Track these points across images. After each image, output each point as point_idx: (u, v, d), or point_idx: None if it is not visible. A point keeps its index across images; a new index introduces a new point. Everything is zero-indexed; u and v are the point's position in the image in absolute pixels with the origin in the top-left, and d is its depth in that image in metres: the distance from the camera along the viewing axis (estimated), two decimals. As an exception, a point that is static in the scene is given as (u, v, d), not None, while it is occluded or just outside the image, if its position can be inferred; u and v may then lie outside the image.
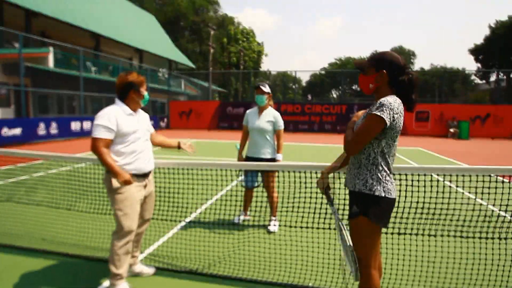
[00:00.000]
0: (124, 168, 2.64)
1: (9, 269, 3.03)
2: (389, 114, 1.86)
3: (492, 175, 2.46)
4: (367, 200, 1.96)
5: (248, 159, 4.20)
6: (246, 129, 4.30)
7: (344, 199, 2.25)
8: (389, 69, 1.96)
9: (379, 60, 1.99)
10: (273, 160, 4.17)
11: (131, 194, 2.66)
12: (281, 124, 4.19)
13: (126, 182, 2.60)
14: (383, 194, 1.93)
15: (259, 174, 4.16)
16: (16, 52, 14.21)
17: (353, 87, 61.05)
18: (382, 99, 1.91)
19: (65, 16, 20.57)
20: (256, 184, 4.15)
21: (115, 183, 2.61)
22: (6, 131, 11.97)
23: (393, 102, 1.89)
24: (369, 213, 1.95)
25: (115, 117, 2.63)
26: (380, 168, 1.95)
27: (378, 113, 1.85)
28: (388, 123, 1.86)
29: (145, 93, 2.82)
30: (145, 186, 2.79)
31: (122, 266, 2.65)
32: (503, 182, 2.66)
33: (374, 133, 1.90)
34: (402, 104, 1.94)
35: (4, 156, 3.88)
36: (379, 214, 1.95)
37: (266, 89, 4.16)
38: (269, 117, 4.17)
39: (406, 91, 1.97)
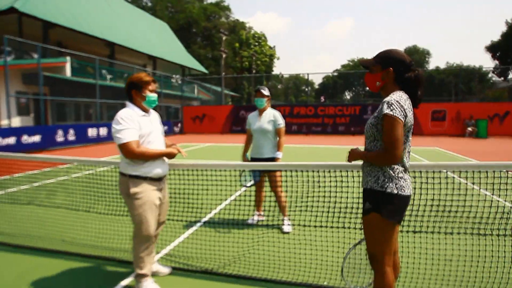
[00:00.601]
0: (141, 173, 2.62)
1: (31, 271, 3.14)
2: (401, 111, 1.87)
3: (506, 170, 2.41)
4: (379, 197, 1.95)
5: (252, 160, 4.32)
6: (249, 132, 4.46)
7: (359, 197, 2.25)
8: (395, 67, 1.97)
9: (385, 58, 2.01)
10: (273, 159, 4.25)
11: (149, 199, 2.65)
12: (280, 122, 4.29)
13: (177, 152, 2.74)
14: (395, 191, 1.92)
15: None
16: (35, 62, 14.70)
17: (367, 88, 60.41)
18: (388, 99, 1.91)
19: (81, 26, 21.15)
20: (256, 180, 4.22)
21: (133, 188, 2.60)
22: (26, 139, 12.35)
23: (400, 98, 1.90)
24: (381, 209, 1.95)
25: (135, 118, 2.60)
26: (393, 165, 1.94)
27: (391, 113, 1.85)
28: (403, 121, 1.87)
29: (149, 94, 2.70)
30: (160, 190, 2.79)
31: (147, 266, 2.72)
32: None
33: (402, 133, 1.88)
34: (409, 99, 1.95)
35: (25, 161, 4.02)
36: (391, 211, 1.94)
37: (266, 92, 4.35)
38: (269, 117, 4.30)
39: (412, 87, 1.98)
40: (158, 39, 33.00)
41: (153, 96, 2.75)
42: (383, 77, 2.01)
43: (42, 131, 13.16)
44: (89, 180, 3.80)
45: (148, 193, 2.64)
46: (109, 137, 16.70)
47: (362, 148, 2.17)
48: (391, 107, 1.86)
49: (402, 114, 1.86)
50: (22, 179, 6.20)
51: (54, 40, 21.15)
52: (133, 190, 2.61)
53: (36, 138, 12.79)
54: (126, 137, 2.52)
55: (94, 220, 4.21)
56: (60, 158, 3.60)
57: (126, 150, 2.53)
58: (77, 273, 3.08)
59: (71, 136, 14.56)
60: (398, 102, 1.88)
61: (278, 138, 4.30)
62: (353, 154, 2.15)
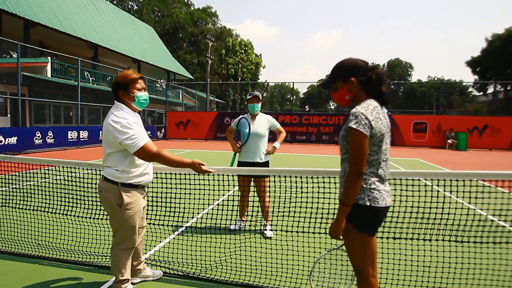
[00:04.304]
0: (139, 182, 2.52)
1: (5, 275, 3.01)
2: (365, 123, 1.81)
3: (477, 179, 2.49)
4: (352, 209, 1.89)
5: (242, 164, 4.28)
6: (232, 130, 4.51)
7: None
8: (355, 75, 1.94)
9: (343, 71, 1.98)
10: (267, 164, 4.27)
11: (139, 208, 2.55)
12: (277, 122, 4.45)
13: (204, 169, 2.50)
14: (367, 203, 1.87)
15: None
16: (14, 62, 14.29)
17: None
18: (353, 110, 1.86)
19: (64, 26, 20.77)
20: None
21: (126, 199, 2.45)
22: (2, 140, 11.93)
23: (365, 110, 1.84)
24: (354, 221, 1.91)
25: (135, 121, 2.45)
26: (365, 176, 1.89)
27: (355, 126, 1.81)
28: (368, 134, 1.82)
29: (138, 94, 2.50)
30: (144, 197, 2.69)
31: (127, 271, 2.65)
32: (488, 187, 2.71)
33: (366, 146, 1.83)
34: (378, 107, 1.90)
35: (1, 162, 3.89)
36: (363, 223, 1.89)
37: (261, 97, 4.46)
38: (264, 122, 4.35)
39: (376, 86, 1.94)
40: (143, 42, 32.73)
41: (143, 95, 2.54)
42: (349, 89, 1.97)
43: (19, 133, 12.75)
44: (68, 183, 3.70)
45: (138, 203, 2.54)
46: (90, 141, 16.34)
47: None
48: (356, 119, 1.82)
49: (367, 126, 1.81)
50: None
51: (35, 40, 20.66)
52: (127, 200, 2.46)
53: (13, 140, 12.38)
54: (142, 140, 2.36)
55: (72, 223, 4.09)
56: (39, 159, 3.50)
57: (145, 153, 2.36)
58: (52, 279, 2.97)
59: (50, 139, 14.17)
60: (363, 114, 1.82)
61: (279, 133, 4.47)
62: (333, 228, 1.94)
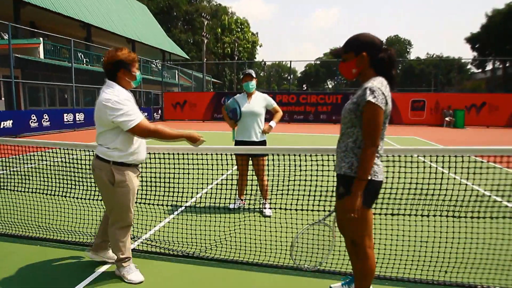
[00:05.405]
0: (130, 161, 2.52)
1: (4, 258, 3.04)
2: (383, 98, 1.85)
3: (473, 155, 2.50)
4: (353, 183, 1.92)
5: (239, 143, 4.27)
6: (229, 107, 4.41)
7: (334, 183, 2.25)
8: (368, 50, 1.94)
9: (357, 44, 1.97)
10: (263, 142, 4.25)
11: (133, 187, 2.56)
12: (273, 102, 4.38)
13: (199, 137, 2.58)
14: (369, 177, 1.91)
15: (238, 108, 4.25)
16: (5, 44, 13.96)
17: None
18: (369, 85, 1.87)
19: (55, 6, 20.21)
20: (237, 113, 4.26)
21: (118, 176, 2.46)
22: (-2, 124, 11.82)
23: (381, 85, 1.88)
24: None
25: (129, 98, 2.47)
26: None
27: (374, 100, 1.83)
28: (383, 109, 1.86)
29: (137, 73, 2.58)
30: (138, 176, 2.68)
31: (128, 249, 2.67)
32: (482, 162, 2.74)
33: (381, 120, 1.87)
34: (388, 85, 1.93)
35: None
36: (366, 196, 1.93)
37: (254, 74, 4.37)
38: (260, 101, 4.31)
39: (387, 68, 1.95)
40: (137, 22, 31.99)
41: (139, 74, 2.62)
42: (358, 63, 1.97)
43: (14, 116, 12.62)
44: (66, 165, 3.68)
45: (132, 181, 2.55)
46: (86, 123, 16.23)
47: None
48: (374, 94, 1.83)
49: (384, 101, 1.86)
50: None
51: (26, 20, 20.12)
52: (118, 178, 2.47)
53: (8, 124, 12.26)
54: (137, 117, 2.40)
55: (71, 205, 4.10)
56: (36, 141, 3.46)
57: (140, 130, 2.41)
58: (53, 260, 3.00)
59: (46, 122, 14.05)
60: (380, 89, 1.85)
61: (276, 112, 4.40)
62: (349, 205, 1.92)
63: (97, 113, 2.46)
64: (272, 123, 4.27)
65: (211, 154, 3.11)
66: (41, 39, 17.73)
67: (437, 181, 2.87)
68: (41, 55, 17.76)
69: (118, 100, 2.38)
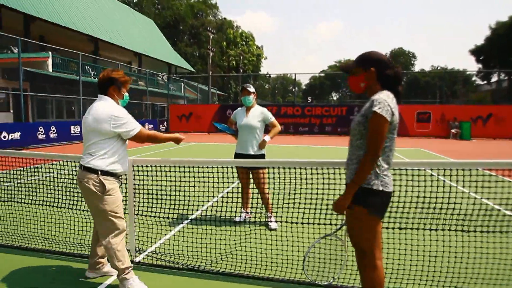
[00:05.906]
0: (116, 170, 2.66)
1: (11, 270, 3.04)
2: (388, 110, 1.92)
3: (479, 168, 2.47)
4: (366, 194, 1.99)
5: (237, 156, 4.30)
6: (233, 121, 4.55)
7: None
8: (376, 66, 2.05)
9: (366, 60, 2.10)
10: (262, 156, 4.25)
11: (119, 195, 2.70)
12: (271, 116, 4.40)
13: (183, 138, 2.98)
14: (380, 188, 1.98)
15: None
16: (15, 57, 14.25)
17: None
18: (376, 97, 1.97)
19: (64, 20, 20.67)
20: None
21: (108, 185, 2.58)
22: (6, 136, 11.97)
23: (387, 97, 1.96)
24: (369, 205, 1.99)
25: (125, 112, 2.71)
26: (378, 163, 1.98)
27: (379, 111, 1.90)
28: (389, 120, 1.92)
29: (126, 94, 2.82)
30: (120, 187, 2.80)
31: (127, 258, 2.67)
32: (490, 176, 2.70)
33: (384, 132, 1.94)
34: (394, 98, 2.02)
35: (7, 157, 3.89)
36: (377, 207, 2.01)
37: (252, 89, 4.40)
38: (257, 114, 4.33)
39: (393, 84, 2.06)
40: (144, 36, 32.55)
41: (127, 95, 2.86)
42: (366, 77, 2.08)
43: (22, 128, 12.78)
44: (72, 177, 3.70)
45: (118, 189, 2.69)
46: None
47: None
48: (380, 105, 1.92)
49: (390, 113, 1.92)
50: (1, 175, 5.98)
51: (36, 35, 20.57)
52: (109, 186, 2.59)
53: (16, 135, 12.41)
54: (137, 126, 2.68)
55: (77, 218, 4.10)
56: (42, 154, 3.50)
57: (141, 136, 2.72)
58: (59, 272, 2.99)
59: (53, 134, 14.21)
60: (386, 100, 1.93)
61: (273, 127, 4.42)
62: (340, 203, 2.05)
63: (94, 123, 2.60)
64: (267, 138, 4.29)
65: (216, 167, 3.12)
66: (50, 53, 18.08)
67: (445, 195, 2.84)
68: (50, 69, 18.07)
69: (120, 113, 2.63)
